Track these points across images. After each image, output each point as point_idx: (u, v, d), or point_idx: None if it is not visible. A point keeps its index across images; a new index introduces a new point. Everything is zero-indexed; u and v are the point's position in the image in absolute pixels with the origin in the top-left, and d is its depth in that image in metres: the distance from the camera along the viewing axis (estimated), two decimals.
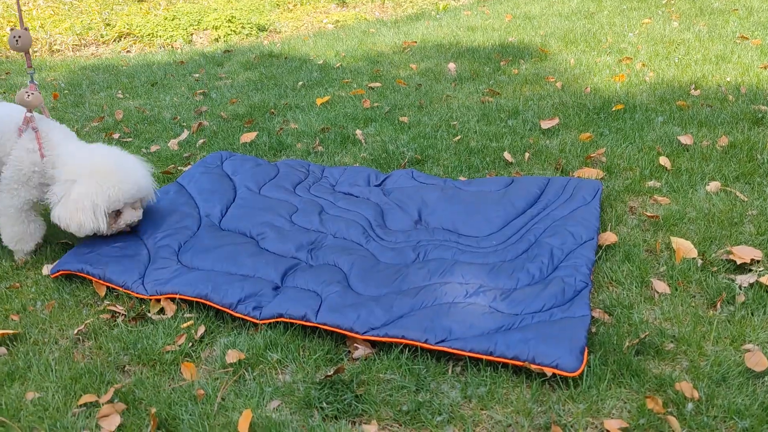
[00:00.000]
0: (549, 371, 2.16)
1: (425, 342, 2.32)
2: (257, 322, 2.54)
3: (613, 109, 4.46)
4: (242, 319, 2.59)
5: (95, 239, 3.05)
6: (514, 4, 8.86)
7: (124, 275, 2.81)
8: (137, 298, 2.75)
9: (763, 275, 2.50)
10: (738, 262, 2.60)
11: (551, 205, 3.16)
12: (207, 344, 2.51)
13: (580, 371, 2.14)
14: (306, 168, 3.85)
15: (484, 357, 2.25)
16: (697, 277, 2.58)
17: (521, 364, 2.20)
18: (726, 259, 2.66)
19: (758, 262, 2.60)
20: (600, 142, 3.95)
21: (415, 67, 6.06)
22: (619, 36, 6.48)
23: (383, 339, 2.36)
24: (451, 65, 5.93)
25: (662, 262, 2.72)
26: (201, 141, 4.59)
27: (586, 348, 2.21)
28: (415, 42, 7.03)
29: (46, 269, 3.01)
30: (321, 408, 2.14)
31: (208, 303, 2.64)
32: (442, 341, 2.31)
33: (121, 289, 2.78)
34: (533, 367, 2.18)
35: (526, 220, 3.09)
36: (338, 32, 8.16)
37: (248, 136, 4.52)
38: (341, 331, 2.42)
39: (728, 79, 4.85)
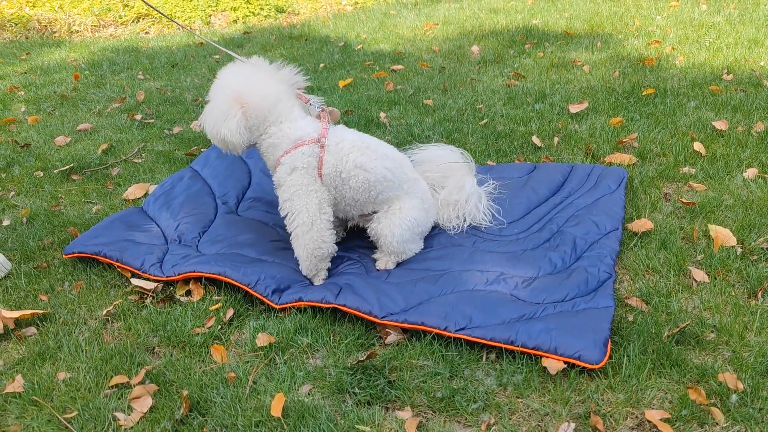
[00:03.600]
0: (571, 363, 2.11)
1: (445, 329, 2.27)
2: (275, 306, 2.51)
3: (643, 93, 4.37)
4: (265, 302, 2.56)
5: (111, 224, 3.05)
6: None
7: (142, 258, 2.77)
8: (156, 280, 2.71)
9: None
10: None
11: (574, 194, 3.09)
12: (236, 327, 2.48)
13: (603, 363, 2.08)
14: None
15: (504, 346, 2.19)
16: (737, 266, 2.52)
17: (542, 354, 2.15)
18: (766, 248, 2.59)
19: None
20: (631, 127, 3.86)
21: (437, 49, 5.97)
22: (647, 19, 6.34)
23: (402, 325, 2.32)
24: (475, 48, 5.84)
25: (700, 250, 2.65)
26: None
27: (609, 340, 2.16)
28: (437, 24, 6.93)
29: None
30: (353, 393, 2.12)
31: (226, 280, 2.59)
32: (462, 329, 2.26)
33: (138, 272, 2.74)
34: (555, 358, 2.13)
35: (548, 209, 3.02)
36: (358, 14, 8.06)
37: None
38: (360, 314, 2.39)
39: (762, 64, 4.73)
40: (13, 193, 3.76)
